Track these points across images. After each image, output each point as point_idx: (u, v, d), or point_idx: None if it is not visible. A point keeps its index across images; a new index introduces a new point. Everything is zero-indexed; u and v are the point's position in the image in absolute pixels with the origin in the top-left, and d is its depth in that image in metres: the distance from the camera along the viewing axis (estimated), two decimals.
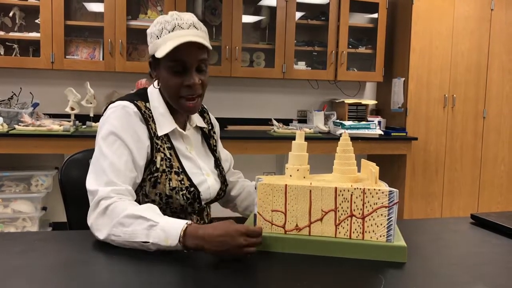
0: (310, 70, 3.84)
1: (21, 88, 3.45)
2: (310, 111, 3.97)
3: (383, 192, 1.03)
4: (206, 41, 1.26)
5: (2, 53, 3.31)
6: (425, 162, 3.90)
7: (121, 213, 1.07)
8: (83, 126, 3.37)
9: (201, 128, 1.47)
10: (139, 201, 1.26)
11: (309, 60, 3.91)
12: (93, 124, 3.33)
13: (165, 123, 1.31)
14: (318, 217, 1.06)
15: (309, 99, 4.14)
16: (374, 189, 1.04)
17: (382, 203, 1.03)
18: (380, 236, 1.04)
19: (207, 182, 1.36)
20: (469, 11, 3.89)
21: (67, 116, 3.43)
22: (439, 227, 1.37)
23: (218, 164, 1.46)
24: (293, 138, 1.17)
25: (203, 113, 1.52)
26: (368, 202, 1.04)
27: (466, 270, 1.01)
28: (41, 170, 3.31)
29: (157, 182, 1.26)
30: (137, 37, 3.54)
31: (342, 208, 1.05)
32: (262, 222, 1.08)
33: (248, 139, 3.39)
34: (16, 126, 3.00)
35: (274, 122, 3.72)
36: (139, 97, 1.32)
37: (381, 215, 1.04)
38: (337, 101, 4.04)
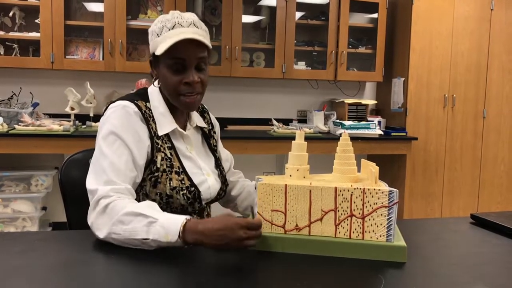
0: (310, 70, 3.84)
1: (21, 88, 3.45)
2: (310, 111, 3.97)
3: (383, 192, 1.03)
4: (206, 40, 1.27)
5: (2, 53, 3.31)
6: (425, 162, 3.90)
7: (120, 211, 1.07)
8: (83, 126, 3.38)
9: (201, 128, 1.47)
10: (140, 201, 1.25)
11: (309, 60, 3.91)
12: (93, 124, 3.33)
13: (165, 123, 1.31)
14: (318, 217, 1.06)
15: (309, 99, 4.14)
16: (374, 189, 1.04)
17: (382, 203, 1.03)
18: (380, 236, 1.04)
19: (207, 182, 1.36)
20: (469, 11, 3.89)
21: (67, 116, 3.43)
22: (439, 227, 1.37)
23: (218, 164, 1.46)
24: (293, 138, 1.17)
25: (203, 113, 1.52)
26: (368, 202, 1.04)
27: (466, 270, 1.01)
28: (41, 170, 3.31)
29: (158, 182, 1.26)
30: (137, 37, 3.54)
31: (342, 208, 1.05)
32: (262, 222, 1.08)
33: (248, 139, 3.39)
34: (16, 126, 3.00)
35: (274, 122, 3.72)
36: (139, 97, 1.32)
37: (381, 215, 1.04)
38: (337, 101, 4.04)
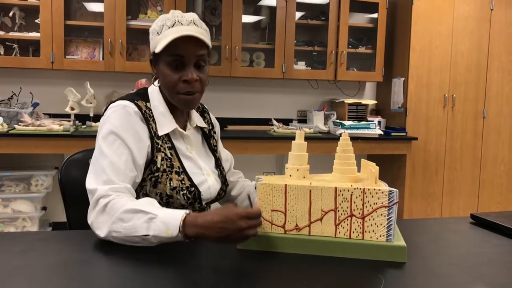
0: (310, 70, 3.84)
1: (21, 88, 3.45)
2: (310, 111, 3.97)
3: (383, 192, 1.03)
4: (205, 38, 1.27)
5: (2, 53, 3.31)
6: (425, 162, 3.90)
7: (120, 209, 1.07)
8: (83, 126, 3.38)
9: (201, 128, 1.47)
10: None
11: (309, 60, 3.91)
12: (93, 124, 3.33)
13: (165, 123, 1.31)
14: (318, 217, 1.06)
15: (309, 99, 4.14)
16: (374, 189, 1.04)
17: (382, 203, 1.03)
18: (380, 236, 1.04)
19: (207, 182, 1.36)
20: (469, 11, 3.89)
21: (67, 116, 3.43)
22: (439, 227, 1.37)
23: (218, 164, 1.46)
24: (293, 138, 1.17)
25: (203, 113, 1.52)
26: (368, 202, 1.04)
27: (466, 270, 1.01)
28: (41, 170, 3.31)
29: (158, 182, 1.26)
30: (137, 37, 3.54)
31: (342, 208, 1.05)
32: (262, 222, 1.08)
33: (248, 139, 3.39)
34: (16, 126, 3.00)
35: (274, 122, 3.72)
36: (140, 97, 1.32)
37: (381, 215, 1.04)
38: (337, 101, 4.04)
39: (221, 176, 1.45)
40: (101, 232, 1.08)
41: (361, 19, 4.07)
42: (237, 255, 1.04)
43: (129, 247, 1.05)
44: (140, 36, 3.52)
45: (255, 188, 1.09)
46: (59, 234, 1.30)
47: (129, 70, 3.40)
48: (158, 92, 1.35)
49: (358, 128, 3.57)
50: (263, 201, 1.08)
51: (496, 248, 1.16)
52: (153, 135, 1.27)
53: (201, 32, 1.27)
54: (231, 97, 3.96)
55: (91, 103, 3.45)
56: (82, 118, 3.44)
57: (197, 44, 1.26)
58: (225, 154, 1.58)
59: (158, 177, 1.26)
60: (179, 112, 1.37)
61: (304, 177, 1.13)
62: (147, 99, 1.33)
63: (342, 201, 1.05)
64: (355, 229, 1.05)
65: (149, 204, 1.10)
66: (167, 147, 1.30)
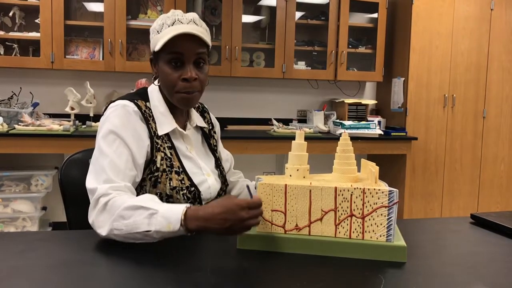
0: (310, 70, 3.84)
1: (21, 88, 3.45)
2: (310, 111, 3.97)
3: (383, 192, 1.03)
4: (205, 36, 1.27)
5: (2, 53, 3.31)
6: (425, 162, 3.90)
7: (120, 207, 1.07)
8: (83, 126, 3.37)
9: (201, 128, 1.47)
10: None
11: (309, 60, 3.91)
12: (93, 124, 3.33)
13: (165, 123, 1.31)
14: (318, 217, 1.06)
15: (309, 99, 4.14)
16: (374, 189, 1.04)
17: (382, 203, 1.03)
18: (380, 236, 1.04)
19: (207, 182, 1.36)
20: (469, 11, 3.89)
21: (67, 116, 3.43)
22: (439, 227, 1.37)
23: (218, 164, 1.46)
24: (293, 138, 1.17)
25: (203, 113, 1.52)
26: (368, 202, 1.04)
27: (466, 270, 1.01)
28: (41, 170, 3.31)
29: (158, 182, 1.26)
30: (137, 37, 3.54)
31: (342, 208, 1.05)
32: (262, 222, 1.08)
33: (248, 139, 3.39)
34: (16, 126, 3.00)
35: (274, 122, 3.72)
36: (139, 97, 1.32)
37: (381, 215, 1.04)
38: (337, 101, 4.04)
39: (221, 176, 1.44)
40: (103, 231, 1.08)
41: (361, 19, 4.07)
42: (237, 255, 1.04)
43: (129, 246, 1.05)
44: (140, 36, 3.53)
45: (255, 188, 1.09)
46: (59, 234, 1.30)
47: (129, 70, 3.40)
48: (158, 91, 1.35)
49: (358, 128, 3.57)
50: (263, 201, 1.08)
51: (496, 248, 1.16)
52: (152, 134, 1.27)
53: (201, 30, 1.27)
54: (231, 97, 3.96)
55: (91, 103, 3.45)
56: (82, 118, 3.44)
57: (196, 42, 1.26)
58: (225, 154, 1.58)
59: (158, 177, 1.26)
60: (179, 112, 1.37)
61: (304, 177, 1.13)
62: (147, 99, 1.33)
63: (342, 201, 1.05)
64: (355, 229, 1.05)
65: (150, 199, 1.09)
66: (167, 146, 1.30)
